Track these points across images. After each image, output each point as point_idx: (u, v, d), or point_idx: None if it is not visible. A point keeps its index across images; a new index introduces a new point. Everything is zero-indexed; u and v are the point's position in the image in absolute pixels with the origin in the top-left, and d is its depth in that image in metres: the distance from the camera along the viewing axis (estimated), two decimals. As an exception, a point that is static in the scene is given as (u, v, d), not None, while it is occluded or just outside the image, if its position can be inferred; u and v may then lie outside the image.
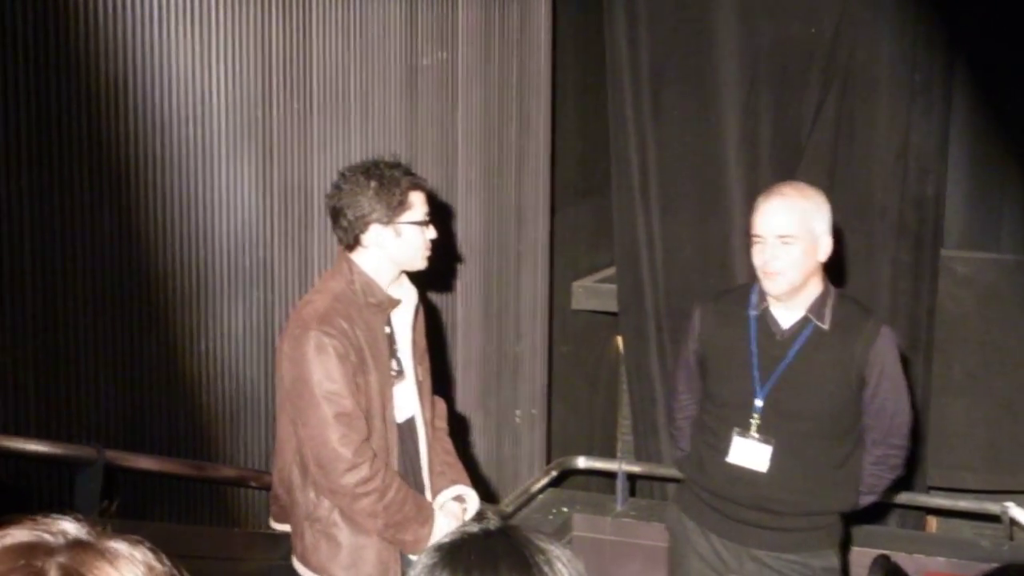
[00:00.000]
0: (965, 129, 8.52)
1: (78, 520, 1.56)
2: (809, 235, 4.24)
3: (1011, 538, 6.41)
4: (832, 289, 4.43)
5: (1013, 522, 6.37)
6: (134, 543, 1.57)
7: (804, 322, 4.37)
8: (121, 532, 1.58)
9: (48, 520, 1.55)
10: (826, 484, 4.44)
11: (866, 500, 4.57)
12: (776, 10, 7.44)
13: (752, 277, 4.43)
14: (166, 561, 1.59)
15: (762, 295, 4.43)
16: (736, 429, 4.43)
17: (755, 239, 4.29)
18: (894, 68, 7.47)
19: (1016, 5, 8.15)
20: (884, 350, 4.39)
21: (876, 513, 7.48)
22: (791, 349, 4.37)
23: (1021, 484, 7.96)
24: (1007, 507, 6.39)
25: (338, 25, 5.40)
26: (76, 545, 1.52)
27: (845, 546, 4.79)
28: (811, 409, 4.38)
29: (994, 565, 2.24)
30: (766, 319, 4.42)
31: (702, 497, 4.58)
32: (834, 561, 4.53)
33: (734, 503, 4.46)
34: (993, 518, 6.67)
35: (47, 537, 1.52)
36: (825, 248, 4.30)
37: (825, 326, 4.35)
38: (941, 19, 7.59)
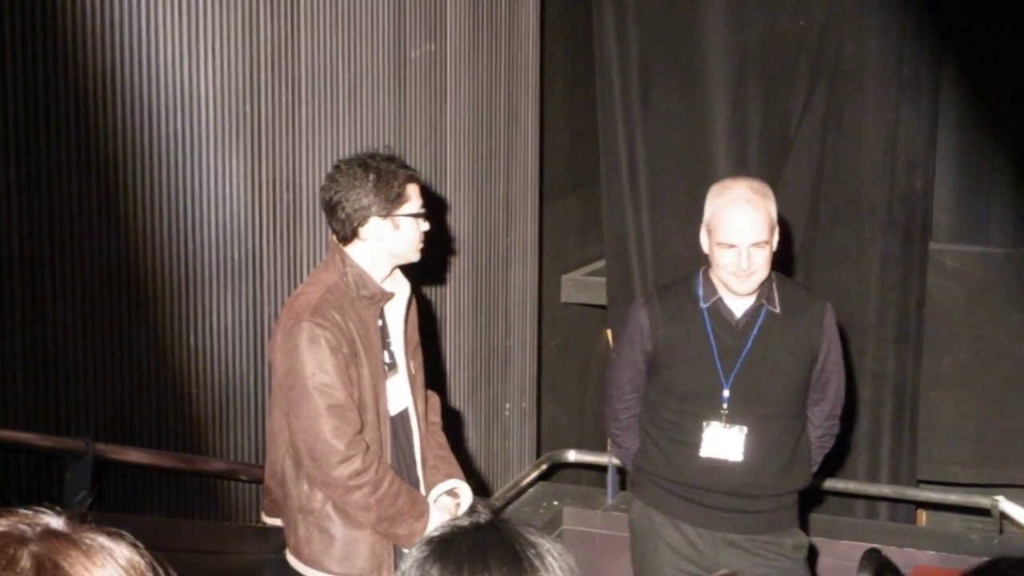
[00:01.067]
0: (953, 123, 8.53)
1: (60, 514, 1.54)
2: (773, 233, 4.36)
3: (1001, 531, 6.42)
4: (772, 272, 4.48)
5: (1003, 516, 6.37)
6: (115, 537, 1.55)
7: (757, 308, 4.47)
8: (106, 525, 1.56)
9: (29, 513, 1.53)
10: (791, 463, 4.56)
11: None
12: (764, 4, 7.44)
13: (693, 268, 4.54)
14: (147, 555, 1.57)
15: (709, 287, 4.50)
16: (705, 422, 4.47)
17: (727, 246, 4.33)
18: (882, 62, 7.47)
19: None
20: (831, 326, 4.55)
21: (866, 507, 7.50)
22: (749, 336, 4.45)
23: (1011, 478, 7.98)
24: (997, 501, 6.39)
25: (326, 17, 5.39)
26: (51, 535, 1.51)
27: (803, 525, 4.87)
28: (776, 391, 4.48)
29: (984, 558, 2.24)
30: (719, 309, 4.49)
31: (672, 490, 4.60)
32: (802, 538, 4.66)
33: (711, 492, 4.51)
34: (983, 512, 6.68)
35: (23, 527, 1.51)
36: (777, 240, 4.41)
37: (777, 309, 4.46)
38: (929, 12, 7.59)
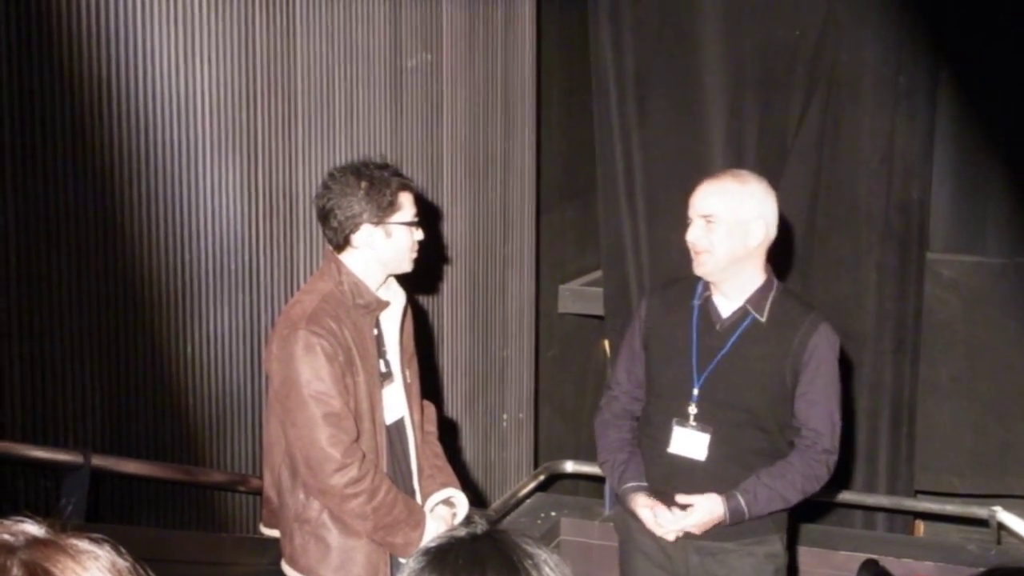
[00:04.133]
0: (950, 132, 8.52)
1: (40, 522, 1.60)
2: (733, 218, 4.31)
3: (998, 542, 6.42)
4: (776, 283, 4.47)
5: (1000, 526, 6.38)
6: (96, 540, 1.60)
7: (743, 313, 4.42)
8: (93, 534, 1.61)
9: (8, 522, 1.58)
10: None
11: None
12: (760, 13, 7.44)
13: None
14: (128, 557, 1.62)
15: (706, 285, 4.49)
16: (675, 418, 4.45)
17: (688, 219, 4.40)
18: (879, 71, 7.48)
19: (1000, 8, 8.17)
20: (820, 346, 4.40)
21: (864, 517, 7.50)
22: (728, 340, 4.41)
23: (1008, 488, 7.98)
24: (994, 511, 6.39)
25: (322, 27, 5.39)
26: (37, 543, 1.56)
27: (791, 532, 4.78)
28: (744, 400, 4.40)
29: (981, 569, 2.23)
30: (707, 308, 4.47)
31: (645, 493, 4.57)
32: (778, 547, 4.55)
33: (677, 493, 4.43)
34: (980, 522, 6.68)
35: (7, 537, 1.55)
36: (757, 235, 4.34)
37: (762, 319, 4.40)
38: (926, 22, 7.60)
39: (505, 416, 7.22)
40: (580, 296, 8.65)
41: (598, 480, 7.14)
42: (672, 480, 4.46)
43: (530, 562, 1.86)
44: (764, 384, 4.40)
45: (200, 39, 4.73)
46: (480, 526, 1.95)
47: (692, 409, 4.42)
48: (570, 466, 7.42)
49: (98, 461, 4.27)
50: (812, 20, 7.40)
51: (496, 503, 6.84)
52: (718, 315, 4.45)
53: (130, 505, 4.67)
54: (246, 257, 5.03)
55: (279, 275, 5.20)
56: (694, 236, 4.36)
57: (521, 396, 7.40)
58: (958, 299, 8.23)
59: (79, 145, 4.27)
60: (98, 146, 4.34)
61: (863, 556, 5.58)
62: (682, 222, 7.64)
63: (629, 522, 4.62)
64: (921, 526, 8.28)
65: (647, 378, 4.60)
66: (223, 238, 4.92)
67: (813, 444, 4.41)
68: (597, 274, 8.51)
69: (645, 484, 4.51)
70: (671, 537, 4.43)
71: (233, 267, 4.98)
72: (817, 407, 4.40)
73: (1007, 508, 6.47)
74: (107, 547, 1.60)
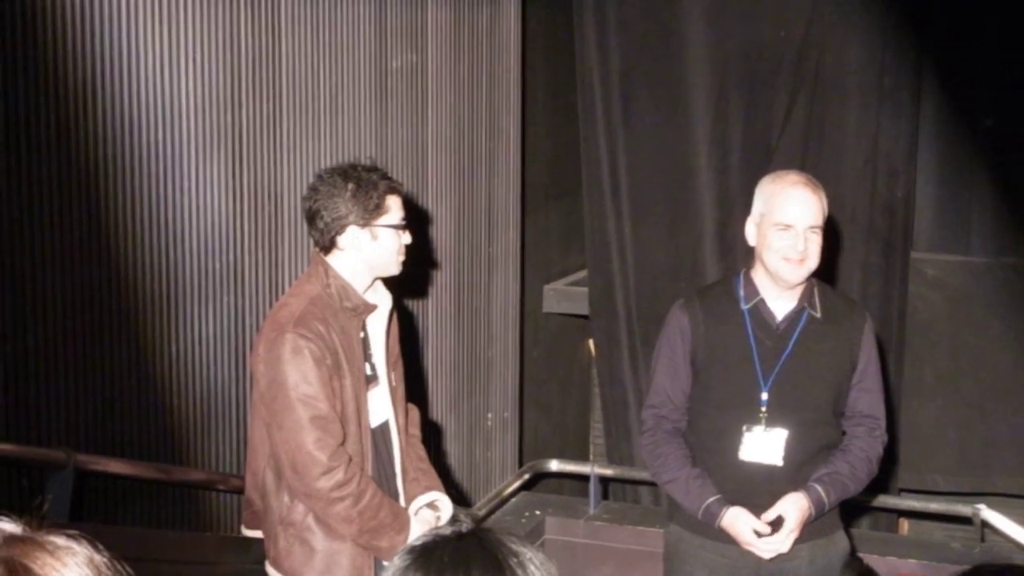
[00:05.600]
0: (934, 132, 8.55)
1: (15, 519, 1.61)
2: (825, 226, 4.33)
3: (982, 540, 6.42)
4: (814, 278, 4.44)
5: (984, 524, 6.37)
6: (73, 536, 1.61)
7: (799, 311, 4.38)
8: (59, 528, 1.63)
9: None
10: None
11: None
12: (745, 14, 7.45)
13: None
14: (105, 553, 1.63)
15: (751, 288, 4.41)
16: (745, 425, 4.36)
17: (783, 227, 4.27)
18: (863, 72, 7.49)
19: (984, 9, 8.19)
20: (871, 338, 4.47)
21: (848, 515, 7.51)
22: (790, 339, 4.36)
23: (992, 486, 8.00)
24: (978, 509, 6.39)
25: (308, 27, 5.39)
26: (15, 540, 1.58)
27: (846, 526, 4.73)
28: (814, 398, 4.37)
29: (965, 567, 2.24)
30: (760, 311, 4.40)
31: None
32: (845, 542, 4.53)
33: (752, 504, 4.34)
34: (964, 520, 6.68)
35: None
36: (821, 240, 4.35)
37: (818, 314, 4.38)
38: (910, 23, 7.62)
39: (490, 415, 7.22)
40: (565, 296, 8.65)
41: (583, 479, 7.14)
42: (751, 486, 4.37)
43: (515, 560, 1.86)
44: (831, 379, 4.39)
45: (185, 39, 4.73)
46: (465, 524, 1.95)
47: (763, 413, 4.36)
48: (555, 465, 7.41)
49: (83, 460, 4.27)
50: (796, 21, 7.41)
51: (481, 502, 6.84)
52: (773, 317, 4.39)
53: (114, 504, 4.66)
54: (231, 257, 5.03)
55: (264, 275, 5.20)
56: (802, 246, 4.27)
57: (506, 395, 7.40)
58: (942, 298, 8.26)
59: (64, 145, 4.26)
60: (83, 146, 4.34)
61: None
62: (667, 221, 7.69)
63: (689, 539, 4.51)
64: (905, 524, 8.30)
65: (702, 390, 4.49)
66: (208, 238, 4.91)
67: (873, 429, 4.45)
68: (582, 274, 8.52)
69: (722, 495, 4.37)
70: (769, 555, 4.35)
71: (218, 267, 4.97)
72: (873, 394, 4.46)
73: (991, 506, 6.46)
74: (84, 543, 1.61)
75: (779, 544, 4.31)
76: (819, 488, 4.33)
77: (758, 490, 4.37)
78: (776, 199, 4.30)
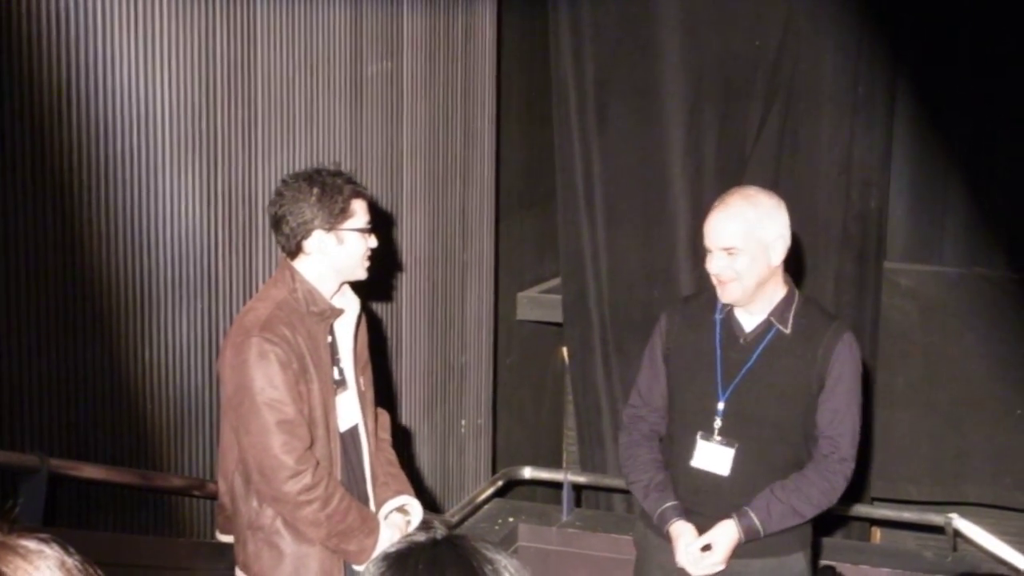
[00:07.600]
0: (908, 142, 8.58)
1: None
2: (756, 243, 4.22)
3: (955, 549, 6.45)
4: (796, 293, 4.42)
5: (957, 533, 6.40)
6: (44, 539, 1.61)
7: (767, 326, 4.36)
8: (30, 531, 1.62)
9: None
10: None
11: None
12: (720, 24, 7.46)
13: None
14: (76, 555, 1.62)
15: None
16: (700, 433, 4.38)
17: (707, 250, 4.30)
18: (837, 82, 7.52)
19: (957, 20, 8.23)
20: (843, 356, 4.35)
21: (821, 524, 7.52)
22: (753, 353, 4.35)
23: (964, 496, 8.02)
24: (951, 519, 6.42)
25: (282, 33, 5.38)
26: None
27: (815, 547, 4.72)
28: (772, 414, 4.34)
29: None
30: (730, 322, 4.40)
31: None
32: (802, 565, 4.49)
33: (699, 513, 4.38)
34: (937, 529, 6.70)
35: None
36: (779, 252, 4.28)
37: (787, 330, 4.34)
38: (884, 33, 7.65)
39: (463, 422, 7.22)
40: (538, 303, 8.65)
41: (555, 486, 7.14)
42: (698, 495, 4.40)
43: (490, 567, 1.86)
44: (790, 397, 4.33)
45: (160, 46, 4.72)
46: (439, 531, 1.95)
47: (717, 423, 4.36)
48: (528, 472, 7.42)
49: (56, 465, 4.25)
50: (771, 31, 7.43)
51: (454, 509, 6.84)
52: (741, 329, 4.38)
53: (87, 509, 4.64)
54: (205, 263, 5.02)
55: (238, 282, 5.19)
56: (718, 268, 4.26)
57: (479, 402, 7.40)
58: (915, 308, 8.28)
59: (38, 152, 4.25)
60: (57, 152, 4.32)
61: (821, 563, 5.59)
62: (641, 230, 7.70)
63: (650, 538, 4.56)
64: (878, 533, 8.32)
65: (671, 394, 4.53)
66: (182, 244, 4.90)
67: (830, 453, 4.35)
68: (556, 281, 8.53)
69: (678, 503, 4.42)
70: (695, 572, 4.36)
71: (192, 273, 4.96)
72: (838, 415, 4.34)
73: (963, 515, 6.50)
74: (55, 546, 1.61)
75: (707, 569, 4.34)
76: (752, 514, 4.32)
77: (705, 499, 4.41)
78: (705, 222, 4.35)
